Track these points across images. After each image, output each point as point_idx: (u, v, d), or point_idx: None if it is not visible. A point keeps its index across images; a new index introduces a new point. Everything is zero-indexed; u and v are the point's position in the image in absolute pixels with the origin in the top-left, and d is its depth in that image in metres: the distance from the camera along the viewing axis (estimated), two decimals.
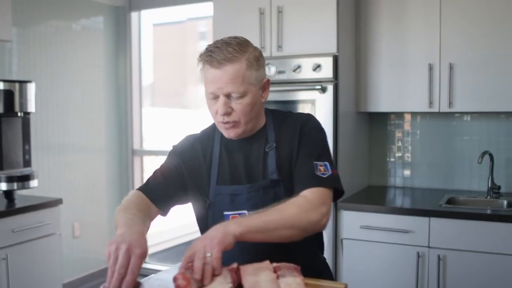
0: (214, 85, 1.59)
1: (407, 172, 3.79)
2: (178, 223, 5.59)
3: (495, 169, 3.41)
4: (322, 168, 1.61)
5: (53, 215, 3.45)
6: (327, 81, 3.14)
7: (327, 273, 1.80)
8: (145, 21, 5.08)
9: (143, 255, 1.33)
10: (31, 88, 3.43)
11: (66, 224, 4.17)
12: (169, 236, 5.58)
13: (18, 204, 3.33)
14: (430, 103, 3.32)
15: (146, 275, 1.60)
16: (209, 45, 1.62)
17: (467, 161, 3.59)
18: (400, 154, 3.80)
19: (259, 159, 1.69)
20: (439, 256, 2.97)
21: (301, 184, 1.60)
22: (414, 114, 3.72)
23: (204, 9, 4.77)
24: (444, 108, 3.29)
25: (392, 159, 3.82)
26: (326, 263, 1.84)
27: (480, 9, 3.19)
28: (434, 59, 3.30)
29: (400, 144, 3.79)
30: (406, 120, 3.76)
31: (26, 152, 3.44)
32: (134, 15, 4.96)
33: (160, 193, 1.66)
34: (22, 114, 3.41)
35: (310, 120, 1.73)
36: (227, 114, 1.60)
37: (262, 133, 1.72)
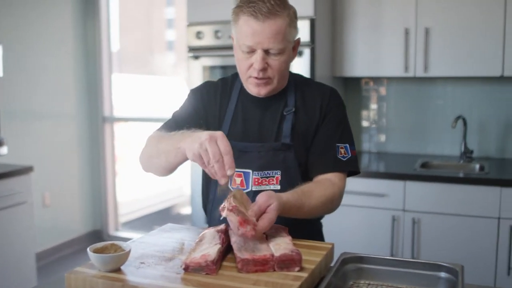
0: (254, 39, 1.52)
1: (381, 137, 3.81)
2: (151, 192, 5.55)
3: (468, 134, 3.46)
4: (342, 151, 1.64)
5: (24, 183, 3.37)
6: (303, 44, 3.10)
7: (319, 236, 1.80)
8: None
9: (224, 135, 1.33)
10: None
11: (36, 193, 4.08)
12: (142, 205, 5.54)
13: None
14: (406, 68, 3.32)
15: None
16: None
17: (440, 126, 3.62)
18: (374, 119, 3.81)
19: (274, 120, 1.65)
20: (413, 219, 3.01)
21: (322, 166, 1.63)
22: (389, 79, 3.73)
23: None
24: (420, 73, 3.30)
25: (366, 124, 3.83)
26: (318, 228, 1.83)
27: None
28: (410, 24, 3.29)
29: (374, 109, 3.80)
30: (381, 85, 3.77)
31: None
32: None
33: (183, 129, 1.55)
34: None
35: (334, 96, 1.70)
36: (263, 70, 1.55)
37: (282, 95, 1.68)
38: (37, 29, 4.29)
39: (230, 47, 3.25)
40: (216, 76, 3.40)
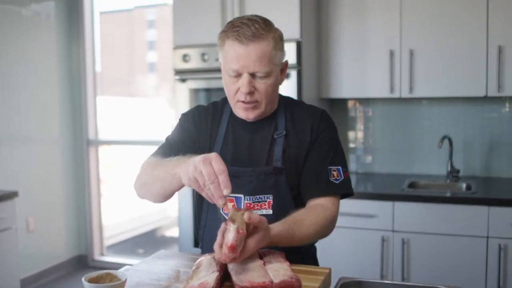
0: (239, 63, 1.52)
1: (367, 158, 3.83)
2: (135, 214, 5.50)
3: (454, 153, 3.49)
4: (335, 173, 1.62)
5: (9, 208, 3.32)
6: (290, 67, 3.12)
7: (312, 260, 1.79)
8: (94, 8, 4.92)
9: (218, 156, 1.32)
10: None
11: (20, 218, 4.01)
12: (126, 228, 5.48)
13: None
14: (391, 89, 3.36)
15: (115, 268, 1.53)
16: (232, 22, 1.56)
17: (426, 146, 3.66)
18: (361, 140, 3.84)
19: (265, 144, 1.64)
20: (403, 239, 3.02)
21: (315, 190, 1.61)
22: (375, 100, 3.76)
23: None
24: (405, 94, 3.34)
25: (353, 145, 3.85)
26: (312, 252, 1.82)
27: None
28: (395, 45, 3.33)
29: (361, 130, 3.83)
30: (367, 106, 3.80)
31: None
32: (86, 0, 4.79)
33: (177, 153, 1.57)
34: None
35: (325, 118, 1.70)
36: (250, 93, 1.55)
37: (272, 118, 1.67)
38: (20, 52, 4.25)
39: (217, 70, 3.28)
40: (203, 99, 3.41)
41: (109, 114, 5.07)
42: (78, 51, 4.80)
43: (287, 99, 1.75)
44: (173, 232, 5.19)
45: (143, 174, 1.61)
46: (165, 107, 5.02)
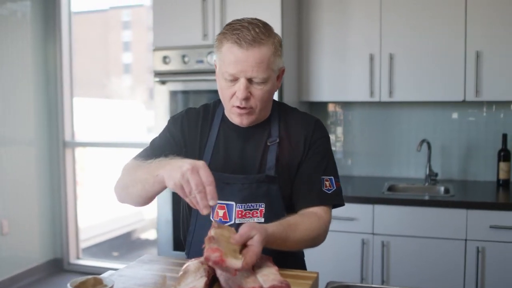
0: (237, 67, 1.48)
1: (347, 161, 3.85)
2: (109, 217, 5.44)
3: (432, 157, 3.53)
4: (327, 183, 1.61)
5: None
6: None
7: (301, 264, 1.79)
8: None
9: (206, 166, 1.31)
10: None
11: None
12: (100, 231, 5.41)
13: None
14: (371, 93, 3.38)
15: (91, 274, 1.49)
16: (232, 24, 1.52)
17: (405, 149, 3.69)
18: (340, 143, 3.85)
19: (258, 151, 1.62)
20: (383, 242, 3.03)
21: (307, 199, 1.59)
22: (355, 103, 3.78)
23: None
24: (385, 98, 3.36)
25: (333, 148, 3.85)
26: (300, 257, 1.81)
27: (419, 0, 3.28)
28: (375, 49, 3.36)
29: (340, 133, 3.85)
30: (347, 110, 3.81)
31: None
32: (63, 0, 4.72)
33: (160, 157, 1.52)
34: None
35: (319, 128, 1.67)
36: (246, 99, 1.51)
37: (266, 125, 1.64)
38: None
39: (197, 72, 3.27)
40: (182, 101, 3.38)
41: (84, 116, 5.00)
42: (54, 52, 4.72)
43: (281, 105, 1.73)
44: (149, 235, 5.14)
45: (124, 177, 1.57)
46: (141, 109, 4.97)
